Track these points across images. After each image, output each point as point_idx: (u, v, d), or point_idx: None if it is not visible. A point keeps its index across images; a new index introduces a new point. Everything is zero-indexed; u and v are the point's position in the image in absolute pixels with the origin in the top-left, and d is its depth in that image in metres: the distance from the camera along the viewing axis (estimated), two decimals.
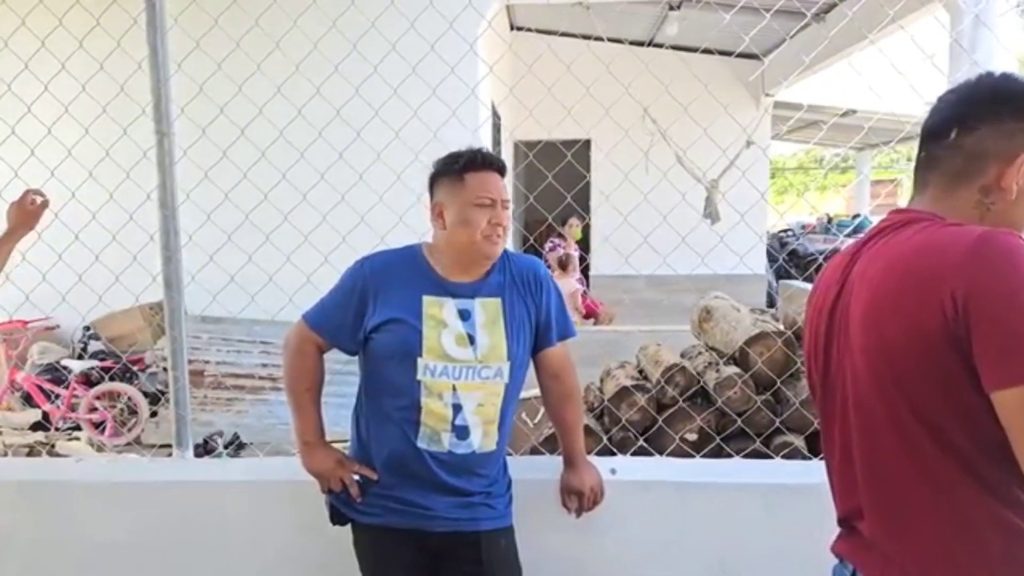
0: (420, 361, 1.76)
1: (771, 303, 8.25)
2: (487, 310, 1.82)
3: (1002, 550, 1.10)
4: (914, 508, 1.15)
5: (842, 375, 1.24)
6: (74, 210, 2.58)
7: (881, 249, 1.21)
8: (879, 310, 1.14)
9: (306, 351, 1.87)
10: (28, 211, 2.21)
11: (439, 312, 1.79)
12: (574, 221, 7.65)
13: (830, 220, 17.51)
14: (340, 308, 1.84)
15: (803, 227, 17.21)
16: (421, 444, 1.78)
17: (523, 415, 2.97)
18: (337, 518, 1.91)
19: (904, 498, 1.16)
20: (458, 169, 1.82)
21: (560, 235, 7.75)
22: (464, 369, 1.78)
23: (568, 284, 6.73)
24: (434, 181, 1.87)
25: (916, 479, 1.13)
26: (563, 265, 6.98)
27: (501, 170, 1.85)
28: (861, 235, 1.34)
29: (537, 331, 1.90)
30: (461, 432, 1.78)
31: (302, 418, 1.90)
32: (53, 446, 4.98)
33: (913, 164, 1.30)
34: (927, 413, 1.10)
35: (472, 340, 1.79)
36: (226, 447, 4.57)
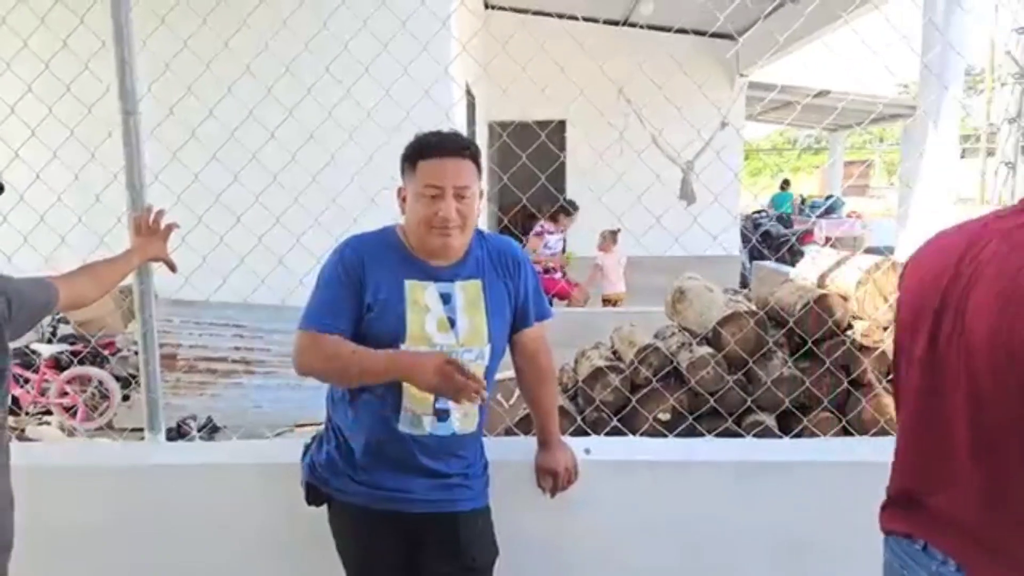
0: (403, 347, 1.73)
1: (744, 284, 8.32)
2: (467, 292, 1.80)
3: None
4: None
5: (951, 359, 1.21)
6: (39, 191, 2.52)
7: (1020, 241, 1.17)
8: (1015, 308, 1.11)
9: (327, 351, 1.72)
10: (145, 233, 2.10)
11: (422, 296, 1.77)
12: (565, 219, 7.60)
13: (803, 201, 17.66)
14: (342, 300, 1.74)
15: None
16: (403, 428, 1.77)
17: (498, 396, 2.98)
18: (313, 498, 1.90)
19: (1012, 485, 1.15)
20: (410, 156, 1.77)
21: (553, 218, 7.68)
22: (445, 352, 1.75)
23: None
24: (401, 165, 1.83)
25: None
26: None
27: (462, 152, 1.75)
28: (981, 218, 1.27)
29: (515, 313, 1.89)
30: (442, 415, 1.78)
31: (372, 359, 1.69)
32: (23, 431, 4.91)
33: None
34: None
35: (453, 323, 1.77)
36: (199, 431, 4.52)
